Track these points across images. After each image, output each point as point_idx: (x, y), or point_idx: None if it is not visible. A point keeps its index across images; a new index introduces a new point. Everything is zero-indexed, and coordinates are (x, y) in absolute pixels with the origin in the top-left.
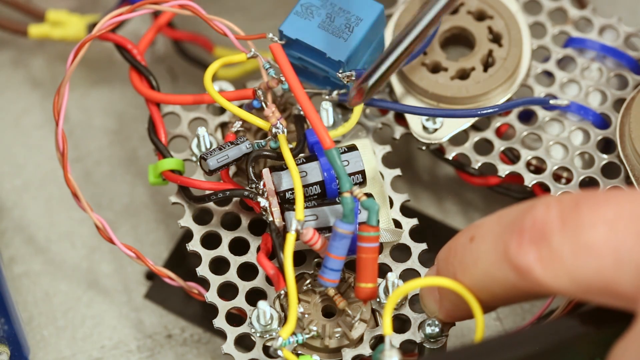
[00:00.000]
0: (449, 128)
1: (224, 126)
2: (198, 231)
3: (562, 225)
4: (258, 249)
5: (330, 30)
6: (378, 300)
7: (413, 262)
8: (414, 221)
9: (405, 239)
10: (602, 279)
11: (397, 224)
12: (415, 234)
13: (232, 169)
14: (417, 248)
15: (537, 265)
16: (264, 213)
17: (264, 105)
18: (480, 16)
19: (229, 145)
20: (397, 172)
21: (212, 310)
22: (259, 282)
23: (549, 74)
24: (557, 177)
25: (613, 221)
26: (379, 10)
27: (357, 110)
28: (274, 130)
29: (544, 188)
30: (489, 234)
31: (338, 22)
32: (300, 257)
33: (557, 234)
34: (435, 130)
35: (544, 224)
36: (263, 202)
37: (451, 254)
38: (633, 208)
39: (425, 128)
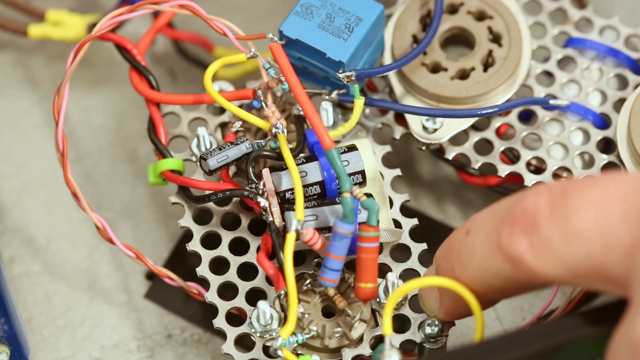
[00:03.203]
0: (449, 128)
1: (224, 126)
2: (198, 231)
3: (551, 212)
4: (258, 249)
5: (330, 30)
6: (378, 300)
7: (413, 262)
8: (414, 221)
9: (405, 239)
10: (592, 263)
11: (397, 224)
12: (415, 234)
13: (232, 169)
14: (417, 248)
15: (529, 253)
16: (263, 213)
17: (263, 105)
18: (480, 16)
19: (228, 145)
20: (397, 172)
21: (212, 310)
22: (259, 282)
23: (549, 74)
24: (557, 177)
25: (599, 204)
26: (379, 10)
27: (357, 110)
28: (273, 130)
29: None
30: (483, 226)
31: (338, 22)
32: (300, 257)
33: (546, 220)
34: (435, 130)
35: (534, 212)
36: (263, 202)
37: (449, 250)
38: (619, 189)
39: (425, 128)
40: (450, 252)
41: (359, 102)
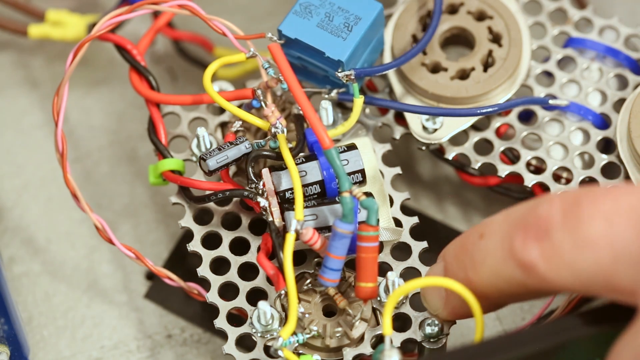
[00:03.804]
0: (448, 128)
1: (224, 126)
2: (198, 231)
3: (563, 221)
4: (259, 249)
5: (329, 29)
6: (379, 299)
7: (414, 261)
8: (415, 219)
9: (406, 238)
10: (601, 273)
11: (398, 223)
12: (415, 233)
13: (233, 169)
14: (418, 246)
15: (541, 261)
16: (263, 213)
17: (263, 104)
18: (480, 16)
19: (228, 146)
20: (398, 170)
21: (212, 310)
22: (259, 282)
23: (549, 74)
24: (557, 177)
25: (610, 214)
26: (378, 9)
27: (357, 109)
28: (273, 130)
29: (544, 188)
30: (497, 231)
31: (337, 22)
32: (301, 256)
33: (558, 229)
34: (435, 130)
35: (547, 220)
36: (263, 202)
37: (461, 251)
38: (631, 201)
39: (425, 128)
40: (463, 254)
41: (359, 101)
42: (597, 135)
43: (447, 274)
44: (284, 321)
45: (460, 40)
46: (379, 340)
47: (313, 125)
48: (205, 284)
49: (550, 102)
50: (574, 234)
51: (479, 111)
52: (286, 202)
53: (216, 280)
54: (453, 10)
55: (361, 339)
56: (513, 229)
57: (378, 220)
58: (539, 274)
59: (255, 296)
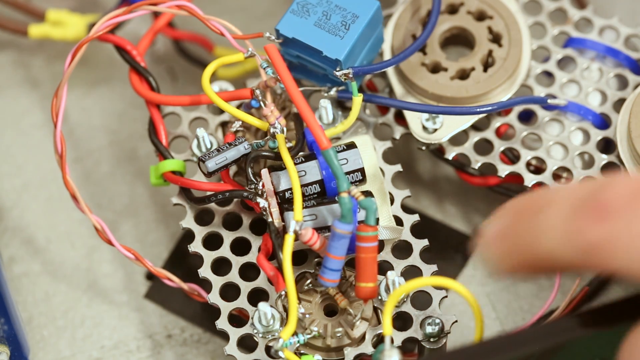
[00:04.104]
0: (448, 128)
1: (224, 125)
2: (200, 232)
3: (625, 208)
4: (259, 249)
5: (327, 28)
6: (379, 298)
7: (414, 259)
8: (416, 217)
9: (407, 236)
10: None
11: (398, 221)
12: (416, 230)
13: (234, 169)
14: (419, 245)
15: (601, 245)
16: (264, 213)
17: (262, 104)
18: (480, 16)
19: (227, 147)
20: (398, 167)
21: (213, 310)
22: (261, 282)
23: (549, 74)
24: (557, 177)
25: None
26: (375, 7)
27: (356, 107)
28: (272, 130)
29: None
30: (561, 207)
31: (334, 20)
32: (301, 256)
33: (620, 216)
34: (435, 130)
35: (610, 205)
36: (262, 202)
37: (524, 217)
38: None
39: (425, 128)
40: (529, 219)
41: (357, 100)
42: (597, 135)
43: (509, 230)
44: (285, 321)
45: (460, 40)
46: (380, 340)
47: (310, 126)
48: (205, 284)
49: (549, 101)
50: (634, 222)
51: (477, 109)
52: (286, 202)
53: (217, 281)
54: (453, 10)
55: (362, 338)
56: (577, 209)
57: (377, 220)
58: (598, 257)
59: (257, 296)
